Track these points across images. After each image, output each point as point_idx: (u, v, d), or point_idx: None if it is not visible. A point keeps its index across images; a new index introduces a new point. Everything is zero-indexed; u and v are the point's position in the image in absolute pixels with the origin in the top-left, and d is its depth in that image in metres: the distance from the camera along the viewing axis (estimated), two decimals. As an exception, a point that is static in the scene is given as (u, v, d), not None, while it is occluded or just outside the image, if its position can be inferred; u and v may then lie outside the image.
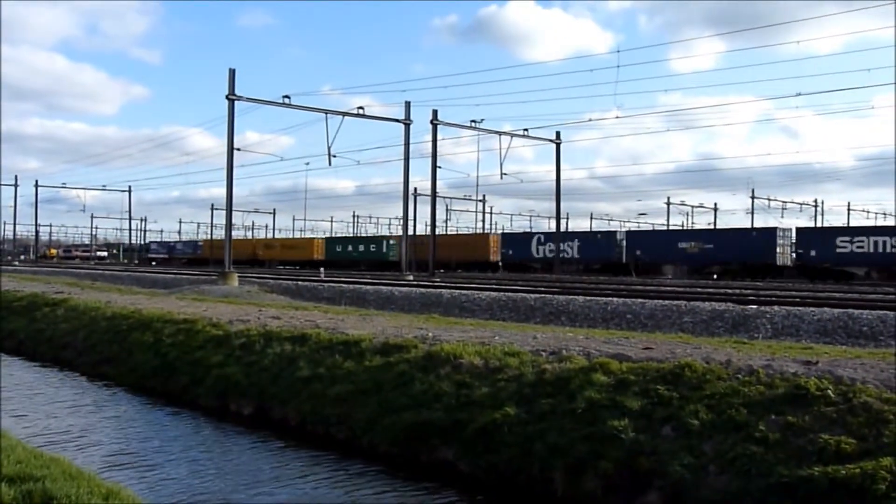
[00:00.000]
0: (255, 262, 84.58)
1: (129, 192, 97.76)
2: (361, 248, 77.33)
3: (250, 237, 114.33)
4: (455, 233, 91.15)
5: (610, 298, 21.89)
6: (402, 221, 48.67)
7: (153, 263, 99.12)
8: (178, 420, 12.01)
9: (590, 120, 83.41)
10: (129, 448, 10.21)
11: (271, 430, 10.96)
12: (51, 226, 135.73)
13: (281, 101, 39.42)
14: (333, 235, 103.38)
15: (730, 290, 27.84)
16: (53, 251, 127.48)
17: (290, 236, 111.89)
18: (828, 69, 75.93)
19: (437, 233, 53.06)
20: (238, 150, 38.29)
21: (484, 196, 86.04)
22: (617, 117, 61.80)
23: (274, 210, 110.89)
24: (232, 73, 36.77)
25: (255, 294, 29.58)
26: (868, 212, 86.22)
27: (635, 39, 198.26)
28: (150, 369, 14.41)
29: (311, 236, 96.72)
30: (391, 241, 74.30)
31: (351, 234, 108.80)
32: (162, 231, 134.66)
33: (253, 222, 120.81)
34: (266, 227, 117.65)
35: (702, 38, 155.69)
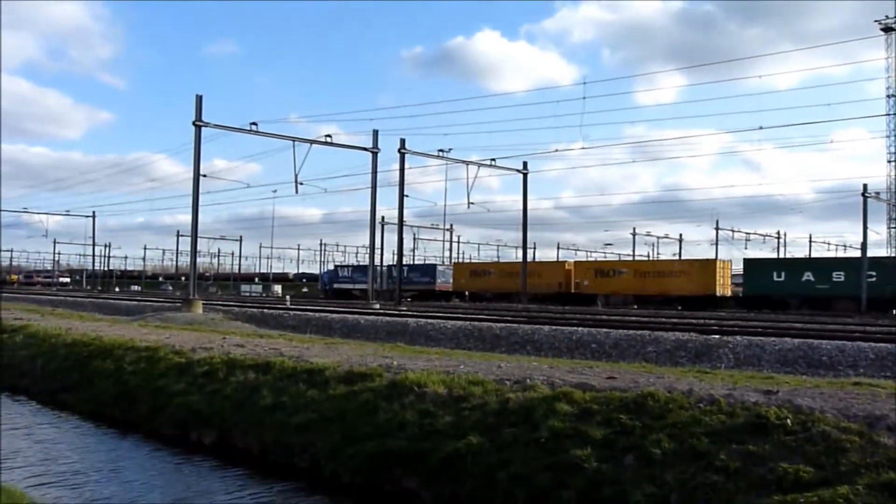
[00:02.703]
0: (574, 299, 57.64)
1: (93, 217, 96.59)
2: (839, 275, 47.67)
3: (560, 258, 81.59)
4: None
5: (575, 328, 21.98)
6: (368, 250, 48.49)
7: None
8: (130, 446, 11.98)
9: (556, 150, 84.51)
10: (75, 469, 10.33)
11: (232, 460, 10.86)
12: (12, 251, 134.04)
13: (248, 128, 39.32)
14: (763, 257, 65.12)
15: (693, 321, 28.08)
16: (14, 277, 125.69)
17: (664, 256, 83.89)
18: (788, 104, 77.31)
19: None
20: (204, 176, 38.14)
21: (451, 225, 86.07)
22: (583, 148, 63.07)
23: (241, 237, 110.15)
24: (199, 99, 36.69)
25: (220, 321, 29.34)
26: (829, 244, 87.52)
27: (599, 72, 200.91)
28: (111, 397, 14.22)
29: (701, 258, 60.47)
30: None
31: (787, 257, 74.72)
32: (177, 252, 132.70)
33: (219, 249, 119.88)
34: (232, 254, 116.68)
35: (664, 72, 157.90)
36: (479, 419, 9.15)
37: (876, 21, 73.50)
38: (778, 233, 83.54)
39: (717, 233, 78.69)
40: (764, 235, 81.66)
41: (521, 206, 54.59)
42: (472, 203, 50.34)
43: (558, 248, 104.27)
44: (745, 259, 57.51)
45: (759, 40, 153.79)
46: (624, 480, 7.38)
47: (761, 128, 55.09)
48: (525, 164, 52.98)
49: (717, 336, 18.94)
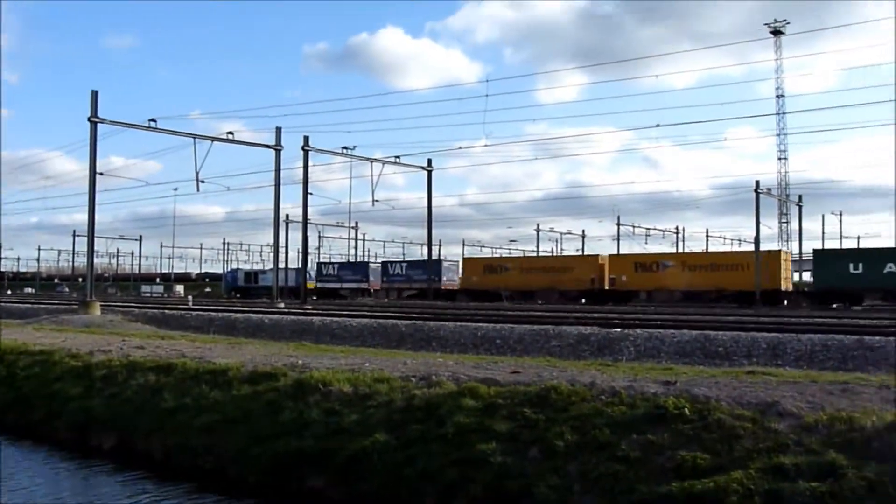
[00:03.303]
0: (610, 296, 51.24)
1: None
2: None
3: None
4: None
5: (480, 324, 22.16)
6: (272, 248, 47.96)
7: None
8: (22, 452, 11.70)
9: (460, 148, 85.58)
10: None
11: (133, 463, 10.60)
12: None
13: (147, 124, 38.38)
14: (837, 248, 60.69)
15: (596, 315, 28.64)
16: None
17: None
18: (684, 102, 79.78)
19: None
20: (101, 174, 37.23)
21: (356, 223, 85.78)
22: (486, 145, 63.73)
23: (140, 237, 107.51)
24: (94, 94, 35.65)
25: (119, 323, 28.55)
26: (725, 238, 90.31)
27: (502, 70, 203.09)
28: (3, 403, 13.72)
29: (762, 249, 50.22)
30: None
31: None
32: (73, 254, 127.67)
33: (118, 249, 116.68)
34: (132, 254, 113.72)
35: (566, 70, 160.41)
36: (385, 416, 9.15)
37: (766, 24, 76.53)
38: (677, 228, 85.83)
39: (618, 228, 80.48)
40: (663, 231, 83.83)
41: (425, 204, 54.85)
42: (377, 200, 50.62)
43: (463, 244, 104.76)
44: (815, 249, 52.87)
45: (656, 40, 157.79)
46: (529, 473, 7.49)
47: (659, 126, 56.67)
48: (429, 161, 53.29)
49: (618, 329, 19.35)
